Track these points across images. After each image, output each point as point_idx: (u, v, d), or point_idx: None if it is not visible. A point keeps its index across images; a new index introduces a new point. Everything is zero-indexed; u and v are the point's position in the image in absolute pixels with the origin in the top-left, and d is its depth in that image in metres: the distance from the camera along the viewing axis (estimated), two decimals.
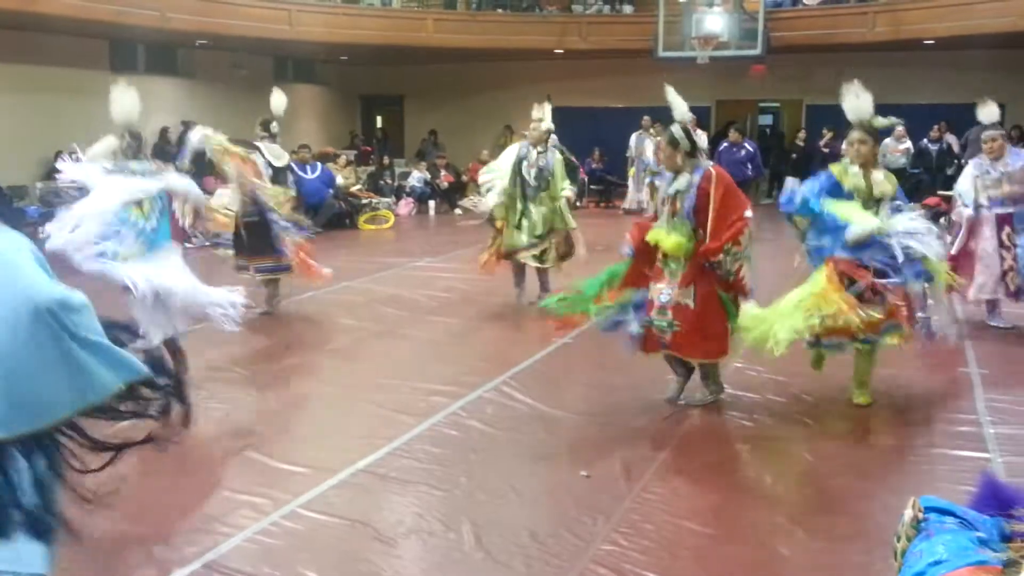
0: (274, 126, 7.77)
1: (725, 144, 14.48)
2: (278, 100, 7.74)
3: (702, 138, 15.48)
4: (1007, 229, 6.73)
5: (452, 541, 3.60)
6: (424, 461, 4.45)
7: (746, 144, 14.18)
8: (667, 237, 4.94)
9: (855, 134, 5.05)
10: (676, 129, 5.02)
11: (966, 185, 6.93)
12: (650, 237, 5.01)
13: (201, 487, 4.18)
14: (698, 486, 4.22)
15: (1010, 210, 6.72)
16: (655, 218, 5.15)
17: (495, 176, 7.89)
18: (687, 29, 15.84)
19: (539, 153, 7.75)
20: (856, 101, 5.02)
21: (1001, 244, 6.73)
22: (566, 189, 7.87)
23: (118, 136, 5.33)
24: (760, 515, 3.90)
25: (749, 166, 14.02)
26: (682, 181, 4.96)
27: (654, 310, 5.00)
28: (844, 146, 5.49)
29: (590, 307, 5.08)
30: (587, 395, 5.57)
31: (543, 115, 7.94)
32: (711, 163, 5.28)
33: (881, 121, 5.09)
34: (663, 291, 4.98)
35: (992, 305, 7.03)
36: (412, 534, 3.69)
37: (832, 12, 15.93)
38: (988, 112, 7.02)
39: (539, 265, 7.92)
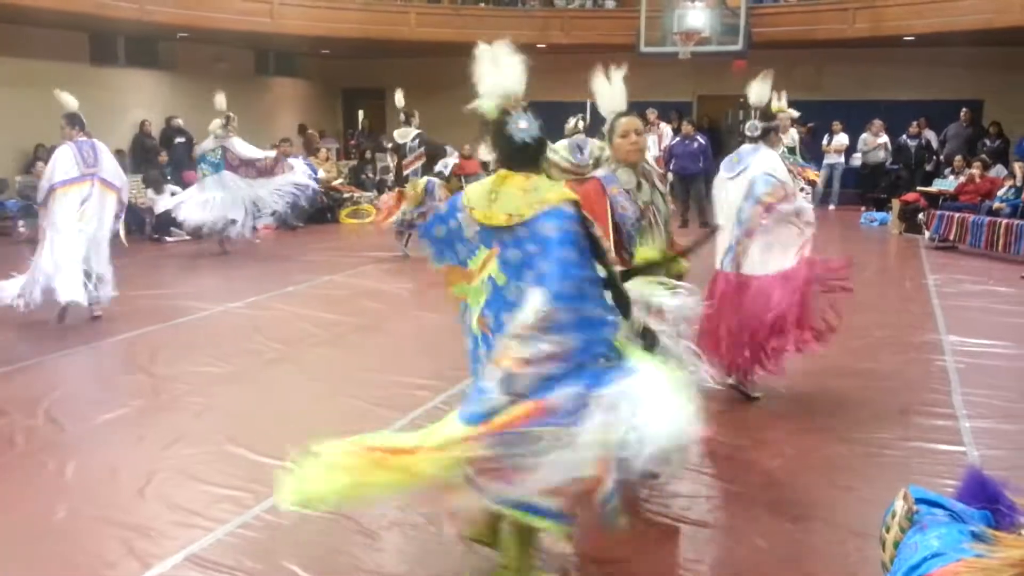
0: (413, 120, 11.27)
1: (678, 138, 14.57)
2: (399, 97, 11.14)
3: (666, 130, 15.68)
4: None
5: (433, 534, 3.61)
6: None
7: (698, 137, 14.24)
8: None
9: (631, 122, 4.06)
10: None
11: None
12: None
13: (181, 481, 4.17)
14: (677, 482, 4.25)
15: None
16: None
17: None
18: (669, 24, 15.85)
19: None
20: (609, 91, 4.14)
21: None
22: None
23: None
24: (738, 508, 3.94)
25: (701, 158, 14.08)
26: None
27: None
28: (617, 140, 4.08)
29: None
30: None
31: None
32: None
33: None
34: None
35: None
36: (394, 527, 3.71)
37: (812, 8, 15.97)
38: None
39: None
